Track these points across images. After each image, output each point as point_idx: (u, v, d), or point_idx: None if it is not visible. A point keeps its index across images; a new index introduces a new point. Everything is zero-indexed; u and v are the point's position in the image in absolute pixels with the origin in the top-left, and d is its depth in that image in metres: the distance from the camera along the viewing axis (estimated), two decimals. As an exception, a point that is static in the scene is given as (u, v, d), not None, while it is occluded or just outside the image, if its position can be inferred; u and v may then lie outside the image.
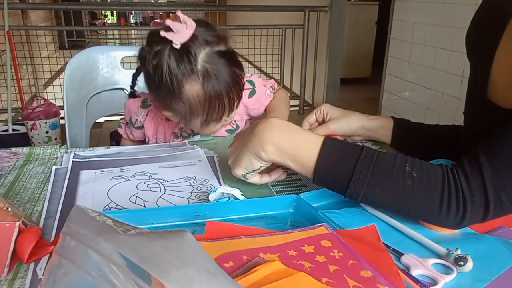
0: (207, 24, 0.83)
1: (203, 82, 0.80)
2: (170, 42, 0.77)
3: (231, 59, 0.83)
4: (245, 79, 1.02)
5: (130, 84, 1.09)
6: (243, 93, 0.93)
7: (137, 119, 1.01)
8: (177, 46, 0.78)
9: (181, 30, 0.78)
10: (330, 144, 0.60)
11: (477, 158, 0.55)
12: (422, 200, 0.56)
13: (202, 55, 0.80)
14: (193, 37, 0.79)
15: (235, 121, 1.04)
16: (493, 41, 0.66)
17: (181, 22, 0.78)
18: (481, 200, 0.54)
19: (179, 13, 0.79)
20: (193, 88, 0.81)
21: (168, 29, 0.78)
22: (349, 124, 0.85)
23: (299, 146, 0.61)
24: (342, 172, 0.58)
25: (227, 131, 1.02)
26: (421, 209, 0.57)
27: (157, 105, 0.93)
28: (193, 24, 0.79)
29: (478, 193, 0.54)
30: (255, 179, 0.69)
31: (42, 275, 0.49)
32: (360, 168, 0.57)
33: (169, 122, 0.99)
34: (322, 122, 0.87)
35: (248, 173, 0.67)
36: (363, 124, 0.85)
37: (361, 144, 0.63)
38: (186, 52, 0.78)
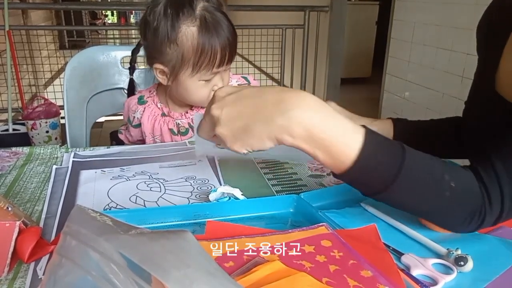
0: None
1: (200, 26, 0.84)
2: None
3: (228, 18, 0.88)
4: (240, 76, 1.03)
5: (129, 62, 1.10)
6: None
7: (134, 117, 1.02)
8: None
9: None
10: (372, 141, 0.50)
11: (492, 166, 0.54)
12: (452, 211, 0.54)
13: (201, 4, 0.85)
14: None
15: None
16: (504, 35, 0.65)
17: None
18: (497, 210, 0.53)
19: None
20: (189, 30, 0.85)
21: None
22: None
23: (337, 136, 0.49)
24: (382, 176, 0.50)
25: None
26: (445, 218, 0.56)
27: (150, 62, 0.94)
28: None
29: (496, 204, 0.53)
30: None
31: (43, 275, 0.49)
32: (404, 174, 0.50)
33: (165, 118, 1.00)
34: None
35: (250, 152, 0.52)
36: None
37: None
38: None
